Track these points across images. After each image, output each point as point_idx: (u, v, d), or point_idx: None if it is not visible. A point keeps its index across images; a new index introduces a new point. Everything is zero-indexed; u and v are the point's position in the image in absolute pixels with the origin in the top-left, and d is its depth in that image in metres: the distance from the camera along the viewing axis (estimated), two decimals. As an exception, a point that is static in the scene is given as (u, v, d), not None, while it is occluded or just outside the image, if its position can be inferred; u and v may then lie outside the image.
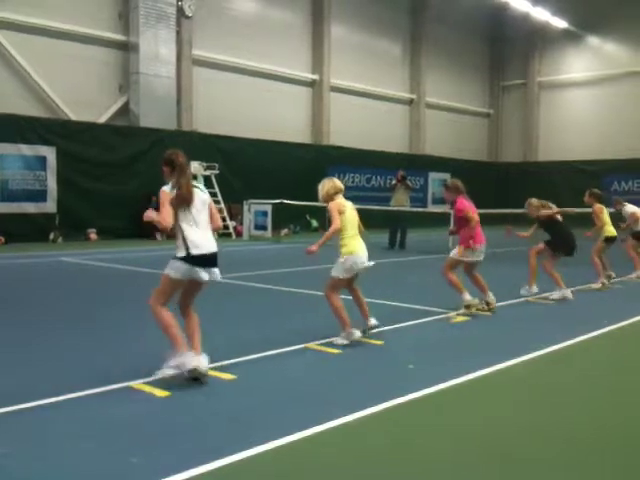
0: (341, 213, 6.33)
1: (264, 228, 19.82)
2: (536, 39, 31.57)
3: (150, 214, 5.05)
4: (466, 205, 7.88)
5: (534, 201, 9.22)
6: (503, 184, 31.07)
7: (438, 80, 29.86)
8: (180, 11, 20.40)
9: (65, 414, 4.34)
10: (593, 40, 30.13)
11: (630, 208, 11.16)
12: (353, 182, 25.08)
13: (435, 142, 29.83)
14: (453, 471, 3.59)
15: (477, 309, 7.89)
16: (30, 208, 17.12)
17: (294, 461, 3.68)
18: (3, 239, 16.22)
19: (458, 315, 7.73)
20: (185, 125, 20.85)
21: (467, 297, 7.80)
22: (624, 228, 11.08)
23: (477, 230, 7.92)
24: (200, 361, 4.90)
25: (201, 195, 5.15)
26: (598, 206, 10.27)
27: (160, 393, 4.70)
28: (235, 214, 20.88)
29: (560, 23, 29.80)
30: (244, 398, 4.71)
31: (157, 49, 19.65)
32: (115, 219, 18.25)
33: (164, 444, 3.84)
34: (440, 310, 7.94)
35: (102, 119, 19.18)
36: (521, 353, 5.98)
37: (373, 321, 6.53)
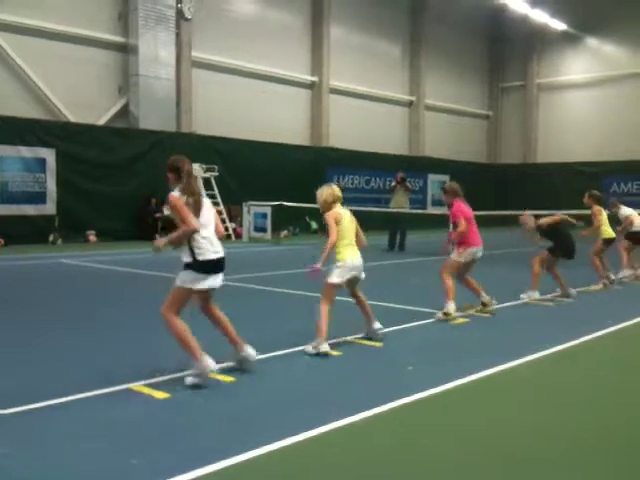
0: (338, 222, 6.28)
1: (264, 230, 19.81)
2: (535, 41, 31.61)
3: (160, 241, 4.99)
4: (458, 210, 7.88)
5: (525, 218, 9.26)
6: (502, 186, 31.08)
7: (437, 82, 29.90)
8: (179, 13, 20.42)
9: (65, 415, 4.32)
10: (592, 42, 30.18)
11: (625, 211, 11.19)
12: (352, 184, 25.07)
13: (434, 144, 29.85)
14: (458, 471, 3.58)
15: (476, 311, 7.89)
16: (30, 210, 17.11)
17: (298, 461, 3.66)
18: (3, 241, 16.22)
19: (435, 317, 7.65)
20: (184, 127, 20.85)
21: (452, 307, 7.64)
22: (620, 231, 11.10)
23: (472, 233, 7.90)
24: (248, 351, 5.21)
25: (206, 201, 5.18)
26: (597, 208, 10.32)
27: (160, 395, 4.69)
28: (234, 216, 20.88)
29: (559, 25, 29.85)
30: (244, 399, 4.70)
31: (156, 51, 19.66)
32: (114, 221, 18.25)
33: (164, 445, 3.83)
34: (440, 312, 7.91)
35: (101, 121, 19.19)
36: (525, 353, 5.97)
37: (378, 324, 6.49)
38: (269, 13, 23.59)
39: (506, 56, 33.10)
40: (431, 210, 26.74)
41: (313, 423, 4.11)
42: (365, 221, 6.57)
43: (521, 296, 9.04)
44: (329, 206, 6.36)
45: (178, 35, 20.48)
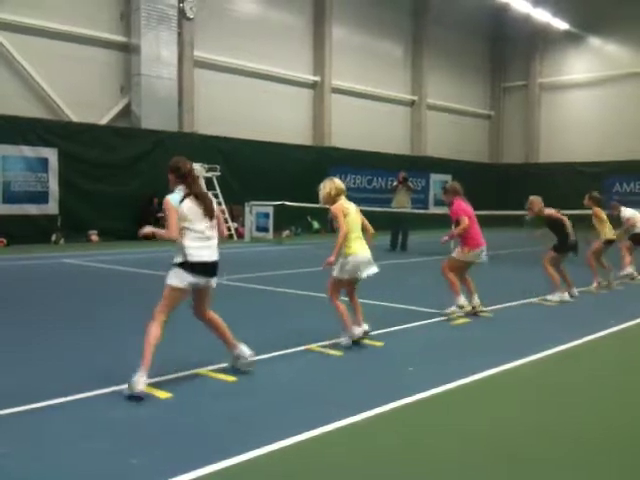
0: (345, 215, 6.25)
1: (266, 230, 19.80)
2: (537, 40, 31.57)
3: (148, 230, 5.03)
4: (459, 208, 7.87)
5: (534, 198, 9.16)
6: (504, 185, 31.03)
7: (439, 82, 29.87)
8: (181, 13, 20.41)
9: (65, 415, 4.31)
10: (594, 41, 30.13)
11: (626, 212, 11.16)
12: (354, 183, 25.06)
13: (436, 143, 29.82)
14: (461, 471, 3.56)
15: (467, 311, 7.91)
16: (32, 210, 17.12)
17: (299, 461, 3.65)
18: (5, 241, 16.23)
19: (445, 313, 7.67)
20: (186, 126, 20.85)
21: (462, 300, 7.73)
22: (621, 232, 11.06)
23: (476, 232, 7.90)
24: (242, 350, 5.19)
25: (212, 203, 5.13)
26: (597, 209, 10.34)
27: (161, 394, 4.68)
28: (236, 216, 20.88)
29: (561, 24, 29.80)
30: (246, 399, 4.68)
31: (158, 51, 19.66)
32: (116, 220, 18.24)
33: (164, 445, 3.81)
34: (442, 312, 7.90)
35: (103, 120, 19.19)
36: (527, 353, 5.95)
37: (366, 327, 6.38)
38: (271, 13, 23.58)
39: (508, 56, 33.06)
40: (433, 210, 26.72)
41: (314, 423, 4.09)
42: (367, 221, 6.54)
43: (548, 297, 8.94)
44: (333, 199, 6.31)
45: (180, 35, 20.48)
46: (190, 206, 4.94)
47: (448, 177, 26.74)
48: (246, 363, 5.22)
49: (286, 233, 21.28)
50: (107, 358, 5.75)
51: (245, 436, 3.94)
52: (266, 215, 19.80)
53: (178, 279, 4.89)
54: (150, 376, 4.97)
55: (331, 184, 6.35)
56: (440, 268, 7.98)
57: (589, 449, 3.95)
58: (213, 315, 5.21)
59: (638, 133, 28.17)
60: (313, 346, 6.12)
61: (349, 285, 6.42)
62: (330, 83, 25.27)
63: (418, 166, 27.72)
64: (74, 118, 18.48)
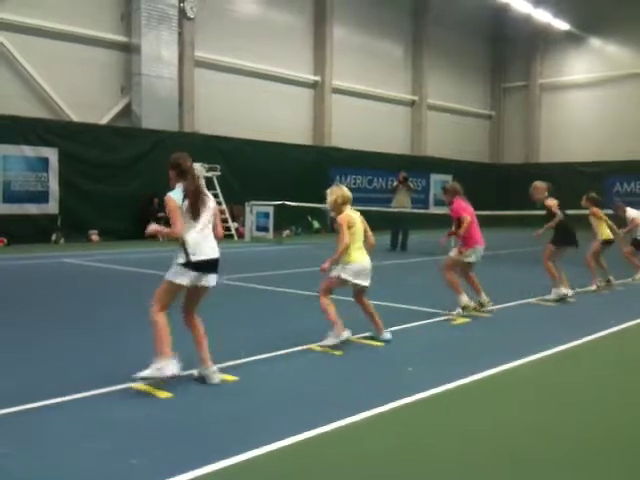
0: (350, 226, 6.25)
1: (266, 229, 19.80)
2: (538, 41, 31.56)
3: (154, 227, 5.11)
4: (458, 207, 7.88)
5: (539, 183, 9.09)
6: (505, 186, 31.01)
7: (440, 82, 29.87)
8: (182, 12, 20.41)
9: (66, 415, 4.31)
10: (595, 42, 30.12)
11: (632, 213, 11.12)
12: (355, 184, 25.04)
13: (437, 144, 29.82)
14: (461, 471, 3.56)
15: (473, 310, 7.90)
16: (32, 209, 17.12)
17: (299, 461, 3.65)
18: (5, 240, 16.23)
19: (451, 315, 7.68)
20: (187, 127, 20.85)
21: (464, 298, 7.77)
22: (625, 232, 11.05)
23: (475, 231, 7.91)
24: (210, 373, 4.97)
25: (206, 200, 5.14)
26: (595, 209, 10.32)
27: (162, 394, 4.68)
28: (237, 215, 20.88)
29: (562, 25, 29.78)
30: (246, 399, 4.68)
31: (159, 50, 19.66)
32: (117, 220, 18.25)
33: (164, 445, 3.81)
34: (442, 312, 7.89)
35: (104, 120, 19.20)
36: (527, 353, 5.95)
37: (388, 335, 6.45)
38: (272, 13, 23.59)
39: (508, 56, 33.05)
40: (433, 210, 26.69)
41: (314, 423, 4.09)
42: (368, 221, 6.54)
43: (547, 297, 8.92)
44: (339, 208, 6.31)
45: (181, 34, 20.48)
46: (189, 204, 4.95)
47: (448, 177, 26.72)
48: (210, 380, 5.00)
49: (286, 233, 21.29)
50: (107, 358, 5.75)
51: (245, 436, 3.94)
52: (266, 215, 19.81)
53: (178, 276, 4.91)
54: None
55: (338, 191, 6.36)
56: (441, 269, 7.99)
57: (589, 449, 3.95)
58: (198, 323, 5.14)
59: (638, 133, 28.15)
60: (313, 346, 6.12)
61: (356, 295, 6.42)
62: (330, 83, 25.27)
63: (418, 166, 27.71)
64: (74, 118, 18.49)
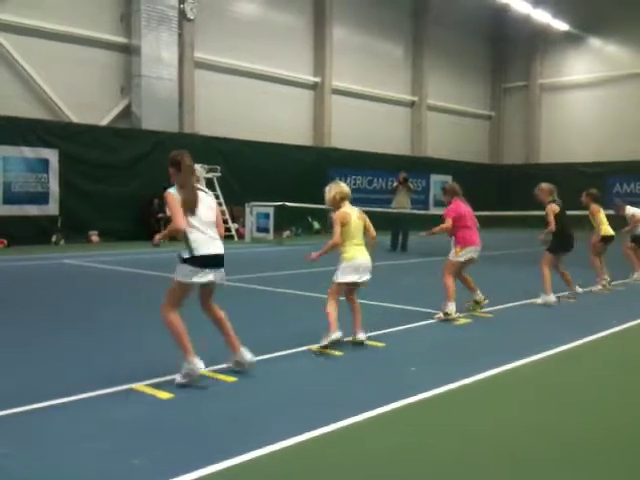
0: (345, 224, 6.23)
1: (266, 230, 19.81)
2: (538, 41, 31.57)
3: (158, 236, 5.17)
4: (451, 208, 7.88)
5: (545, 185, 9.07)
6: (505, 186, 31.03)
7: (440, 82, 29.89)
8: (182, 14, 20.42)
9: (66, 415, 4.31)
10: (594, 42, 30.13)
11: (632, 210, 11.12)
12: (355, 184, 25.05)
13: (437, 144, 29.83)
14: (462, 471, 3.56)
15: (471, 311, 7.89)
16: (32, 210, 17.13)
17: (300, 462, 3.64)
18: (5, 242, 16.23)
19: (435, 317, 7.61)
20: (187, 127, 20.86)
21: (452, 307, 7.59)
22: (627, 230, 11.05)
23: (470, 232, 7.88)
24: (244, 355, 5.16)
25: (206, 198, 5.13)
26: (595, 206, 10.31)
27: (163, 395, 4.67)
28: (237, 216, 20.88)
29: (561, 25, 29.81)
30: (246, 400, 4.68)
31: (159, 52, 19.67)
32: (117, 221, 18.26)
33: (166, 445, 3.81)
34: (440, 312, 7.88)
35: (104, 121, 19.21)
36: (528, 353, 5.95)
37: (362, 336, 6.33)
38: (271, 14, 23.59)
39: (508, 56, 33.07)
40: (433, 211, 26.69)
41: (315, 423, 4.09)
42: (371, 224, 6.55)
43: (537, 301, 8.86)
44: (337, 204, 6.32)
45: (180, 36, 20.49)
46: (183, 199, 4.96)
47: (448, 178, 26.73)
48: (245, 366, 5.22)
49: (286, 234, 21.29)
50: (107, 358, 5.75)
51: (246, 436, 3.94)
52: (266, 216, 19.81)
53: (186, 275, 4.92)
54: (151, 376, 4.98)
55: (336, 188, 6.37)
56: (441, 270, 7.97)
57: (589, 449, 3.95)
58: (219, 313, 5.23)
59: (639, 134, 28.16)
60: (314, 346, 6.12)
61: (348, 290, 6.42)
62: (330, 84, 25.28)
63: (418, 167, 27.72)
64: (74, 119, 18.50)
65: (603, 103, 29.76)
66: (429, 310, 7.94)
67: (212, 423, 4.21)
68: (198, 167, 18.19)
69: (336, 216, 6.29)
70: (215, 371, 5.24)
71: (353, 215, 6.32)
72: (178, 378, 4.87)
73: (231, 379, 5.09)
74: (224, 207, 19.46)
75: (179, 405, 4.53)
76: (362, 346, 6.23)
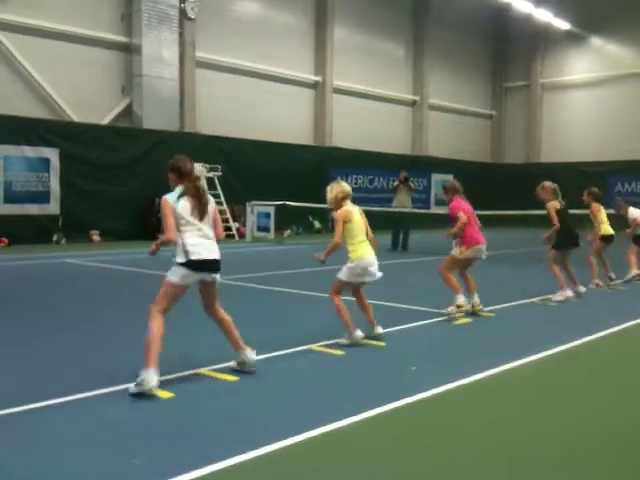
0: (348, 222, 6.26)
1: (267, 230, 19.81)
2: (539, 40, 31.53)
3: (154, 246, 5.13)
4: (456, 205, 7.88)
5: (548, 184, 9.07)
6: (506, 185, 31.01)
7: (441, 81, 29.87)
8: (183, 13, 20.42)
9: (66, 415, 4.32)
10: (596, 41, 30.10)
11: (634, 213, 11.07)
12: (356, 183, 25.05)
13: (438, 143, 29.81)
14: (462, 471, 3.57)
15: (466, 311, 7.90)
16: (33, 210, 17.13)
17: (300, 462, 3.65)
18: (6, 241, 16.25)
19: (445, 312, 7.65)
20: (188, 127, 20.86)
21: (461, 298, 7.70)
22: (629, 233, 11.02)
23: (474, 230, 7.89)
24: (247, 355, 5.16)
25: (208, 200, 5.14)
26: (596, 205, 10.30)
27: (162, 394, 4.68)
28: (238, 216, 20.89)
29: (563, 24, 29.77)
30: (246, 399, 4.69)
31: (160, 51, 19.67)
32: (118, 220, 18.27)
33: (165, 445, 3.81)
34: (440, 311, 7.89)
35: (105, 121, 19.21)
36: (527, 353, 5.95)
37: (379, 329, 6.46)
38: (273, 13, 23.59)
39: (509, 56, 33.03)
40: (434, 210, 26.71)
41: (315, 423, 4.10)
42: (368, 220, 6.56)
43: (553, 299, 8.87)
44: (339, 203, 6.35)
45: (181, 35, 20.49)
46: (187, 205, 4.95)
47: (449, 177, 26.60)
48: (249, 366, 5.23)
49: (287, 233, 21.28)
50: (107, 358, 5.76)
51: (245, 436, 3.95)
52: (267, 215, 19.81)
53: (178, 276, 4.92)
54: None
55: (338, 187, 6.40)
56: (439, 266, 7.98)
57: (588, 449, 3.95)
58: (222, 314, 5.22)
59: (639, 133, 28.14)
60: (314, 346, 6.13)
61: (355, 288, 6.44)
62: (331, 83, 25.27)
63: (419, 166, 27.70)
64: (75, 118, 18.50)
65: (604, 102, 29.73)
66: (431, 310, 7.94)
67: (212, 423, 4.22)
68: (199, 166, 18.20)
69: (338, 214, 6.31)
70: (215, 370, 5.25)
71: (355, 212, 6.35)
72: (132, 387, 4.68)
73: (231, 379, 5.10)
74: (225, 206, 19.47)
75: (178, 405, 4.53)
76: (363, 345, 6.24)
